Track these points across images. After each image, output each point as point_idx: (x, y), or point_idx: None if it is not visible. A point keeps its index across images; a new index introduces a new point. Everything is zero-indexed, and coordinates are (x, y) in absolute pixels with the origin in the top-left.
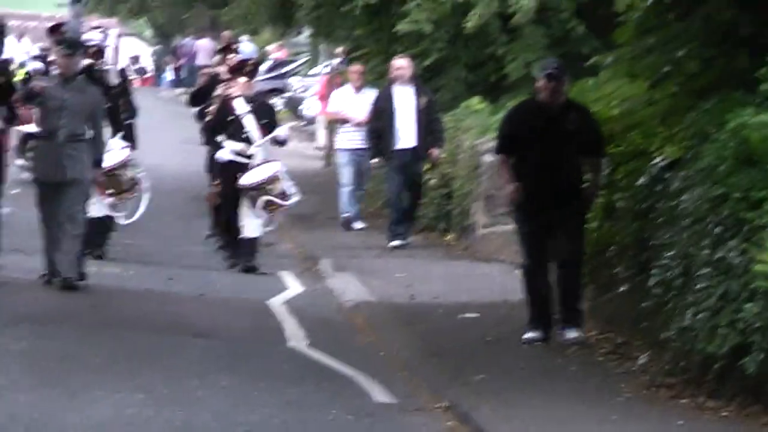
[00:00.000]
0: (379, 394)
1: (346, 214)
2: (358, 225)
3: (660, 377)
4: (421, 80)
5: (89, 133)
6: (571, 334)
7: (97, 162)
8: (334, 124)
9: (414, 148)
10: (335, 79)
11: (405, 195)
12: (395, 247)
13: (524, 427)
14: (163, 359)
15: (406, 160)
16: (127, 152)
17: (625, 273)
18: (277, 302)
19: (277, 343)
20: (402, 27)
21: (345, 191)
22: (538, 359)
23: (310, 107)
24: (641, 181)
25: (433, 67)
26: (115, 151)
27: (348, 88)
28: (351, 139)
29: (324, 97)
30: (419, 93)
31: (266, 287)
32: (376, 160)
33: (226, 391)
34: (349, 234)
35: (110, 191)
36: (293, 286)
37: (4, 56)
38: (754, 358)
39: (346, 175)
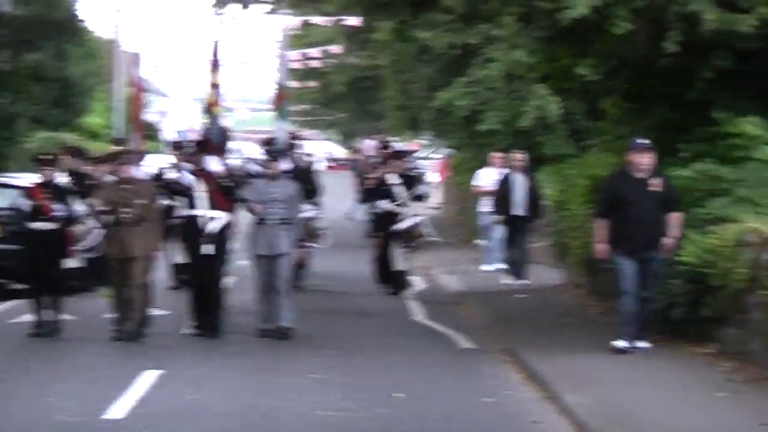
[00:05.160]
0: (465, 343)
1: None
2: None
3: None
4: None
5: (292, 217)
6: (643, 344)
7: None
8: (479, 195)
9: (524, 216)
10: (446, 161)
11: (518, 247)
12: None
13: (549, 357)
14: (346, 328)
15: (518, 223)
16: (313, 212)
17: None
18: (409, 294)
19: (408, 317)
20: (481, 127)
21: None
22: (562, 320)
23: (431, 177)
24: None
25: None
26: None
27: (489, 169)
28: (488, 205)
29: (440, 171)
30: (528, 177)
31: None
32: (497, 218)
33: (379, 343)
34: (452, 253)
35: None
36: (419, 284)
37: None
38: (676, 312)
39: (486, 230)
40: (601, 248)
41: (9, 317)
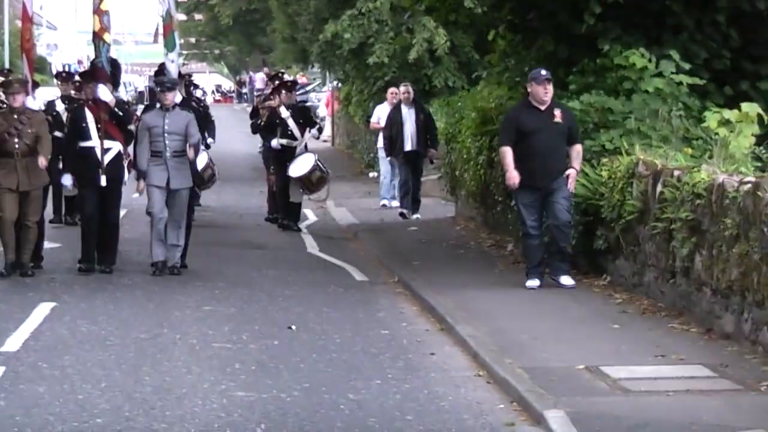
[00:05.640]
0: (358, 276)
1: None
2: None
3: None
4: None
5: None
6: (567, 281)
7: (194, 171)
8: (376, 130)
9: (415, 150)
10: (334, 93)
11: (411, 181)
12: (402, 214)
13: (442, 290)
14: (239, 261)
15: (410, 157)
16: (205, 156)
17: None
18: (301, 227)
19: (301, 250)
20: (371, 60)
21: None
22: (454, 252)
23: (321, 110)
24: None
25: (390, 82)
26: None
27: (385, 105)
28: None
29: (328, 104)
30: (418, 110)
31: None
32: (389, 158)
33: (272, 276)
34: (344, 186)
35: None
36: (311, 217)
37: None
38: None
39: (383, 165)
40: (512, 175)
41: None
